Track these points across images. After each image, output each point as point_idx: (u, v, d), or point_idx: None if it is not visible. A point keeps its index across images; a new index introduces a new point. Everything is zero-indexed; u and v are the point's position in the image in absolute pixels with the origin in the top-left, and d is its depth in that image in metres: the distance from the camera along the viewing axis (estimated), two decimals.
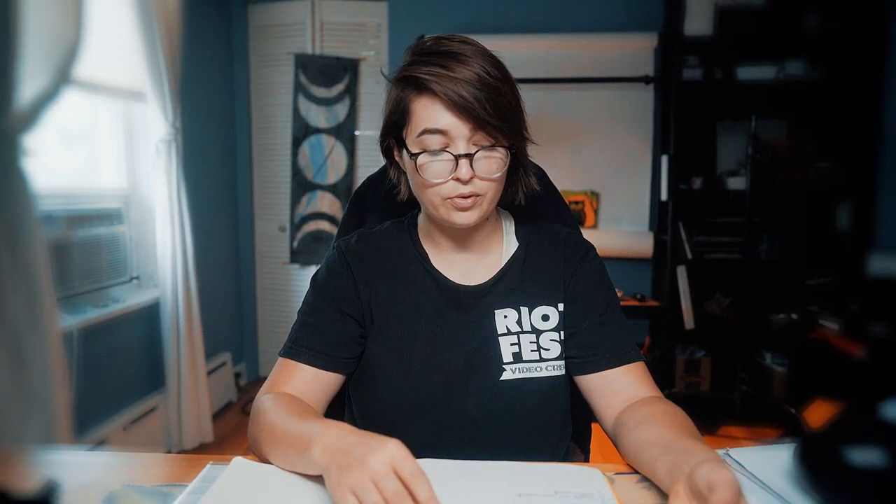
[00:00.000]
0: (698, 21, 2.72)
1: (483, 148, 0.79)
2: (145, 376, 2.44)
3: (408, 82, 0.80)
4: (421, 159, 0.79)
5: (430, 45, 0.81)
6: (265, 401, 0.80)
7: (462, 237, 0.89)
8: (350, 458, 0.58)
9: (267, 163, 3.33)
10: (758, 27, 2.72)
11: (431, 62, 0.78)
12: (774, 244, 2.87)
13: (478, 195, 0.80)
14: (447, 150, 0.78)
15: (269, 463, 0.74)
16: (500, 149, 0.80)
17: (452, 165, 0.78)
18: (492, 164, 0.80)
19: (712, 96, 2.88)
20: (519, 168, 0.88)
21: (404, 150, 0.83)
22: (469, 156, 0.78)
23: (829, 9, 2.67)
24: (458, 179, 0.78)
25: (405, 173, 0.88)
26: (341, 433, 0.64)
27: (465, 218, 0.81)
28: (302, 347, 0.84)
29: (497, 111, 0.77)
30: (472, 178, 0.79)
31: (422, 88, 0.78)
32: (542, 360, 0.85)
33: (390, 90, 0.85)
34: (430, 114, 0.78)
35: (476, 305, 0.87)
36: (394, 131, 0.85)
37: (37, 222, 1.51)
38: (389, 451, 0.57)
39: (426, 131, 0.78)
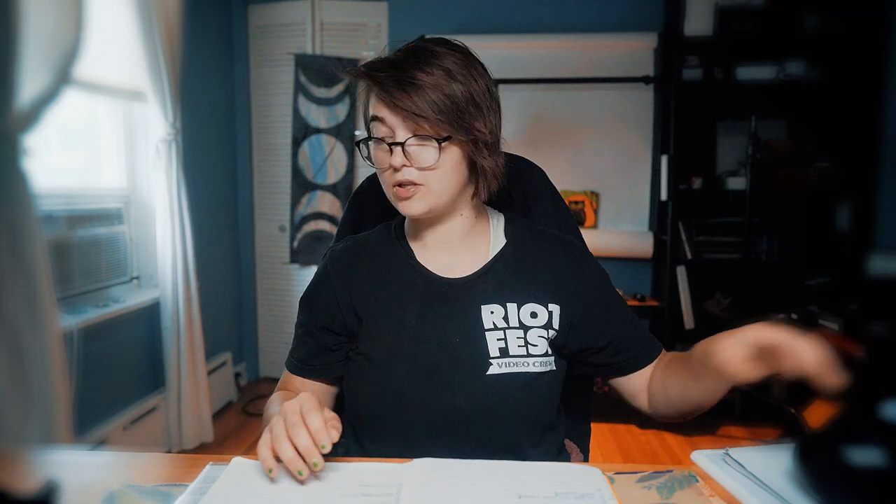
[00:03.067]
0: (698, 21, 2.72)
1: (416, 136, 0.81)
2: (145, 376, 2.44)
3: (360, 77, 0.85)
4: (370, 145, 0.85)
5: (403, 46, 0.86)
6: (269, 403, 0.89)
7: (441, 231, 0.91)
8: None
9: (267, 163, 3.33)
10: (758, 27, 2.72)
11: (386, 60, 0.83)
12: (774, 244, 2.87)
13: (416, 184, 0.83)
14: (388, 138, 0.83)
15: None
16: (433, 140, 0.81)
17: (390, 153, 0.82)
18: (426, 154, 0.82)
19: (712, 96, 2.88)
20: (476, 164, 0.87)
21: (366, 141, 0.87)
22: (400, 144, 0.81)
23: (828, 9, 2.67)
24: (391, 166, 0.82)
25: None
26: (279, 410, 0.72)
27: (409, 207, 0.84)
28: (292, 359, 0.94)
29: (431, 106, 0.79)
30: (404, 165, 0.82)
31: (368, 80, 0.83)
32: (529, 355, 0.85)
33: None
34: (375, 104, 0.83)
35: (461, 297, 0.88)
36: (366, 125, 0.89)
37: (37, 222, 1.51)
38: (289, 407, 0.69)
39: (373, 118, 0.84)
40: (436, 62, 0.81)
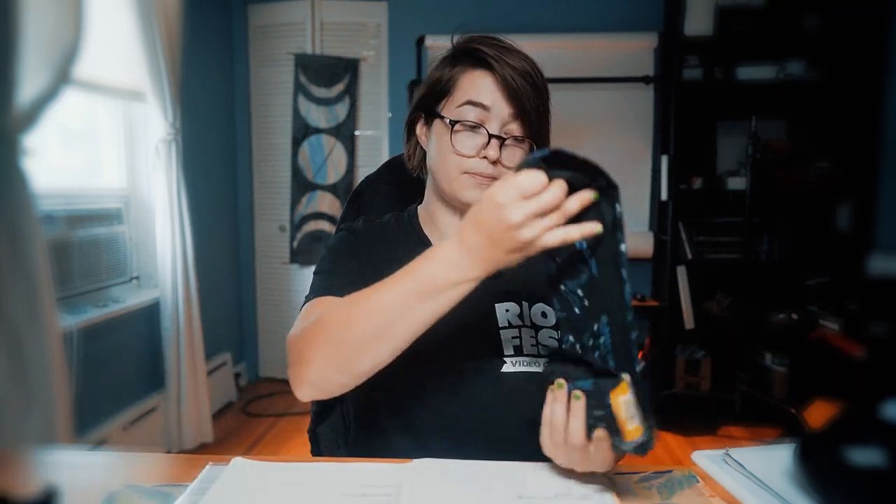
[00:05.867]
0: (698, 21, 2.72)
1: (514, 138, 0.82)
2: (145, 376, 2.44)
3: (467, 54, 0.83)
4: (458, 127, 0.82)
5: (482, 35, 0.85)
6: (317, 314, 0.73)
7: None
8: (495, 232, 0.59)
9: (267, 163, 3.33)
10: (758, 27, 2.72)
11: (491, 44, 0.82)
12: (774, 244, 2.87)
13: (494, 178, 0.83)
14: (483, 125, 0.81)
15: (344, 352, 0.68)
16: (527, 143, 0.83)
17: (483, 143, 0.81)
18: (516, 155, 0.83)
19: (712, 96, 2.88)
20: None
21: (435, 122, 0.85)
22: (502, 139, 0.81)
23: (829, 9, 2.67)
24: (485, 157, 0.81)
25: (422, 148, 0.91)
26: (454, 246, 0.63)
27: (476, 197, 0.82)
28: (337, 286, 0.80)
29: (535, 108, 0.82)
30: (496, 161, 0.81)
31: (479, 63, 0.82)
32: (539, 355, 0.85)
33: (436, 65, 0.88)
34: (479, 87, 0.82)
35: (476, 294, 0.87)
36: (430, 103, 0.87)
37: (37, 222, 1.51)
38: (505, 196, 0.58)
39: (469, 102, 0.82)
40: (528, 59, 0.83)
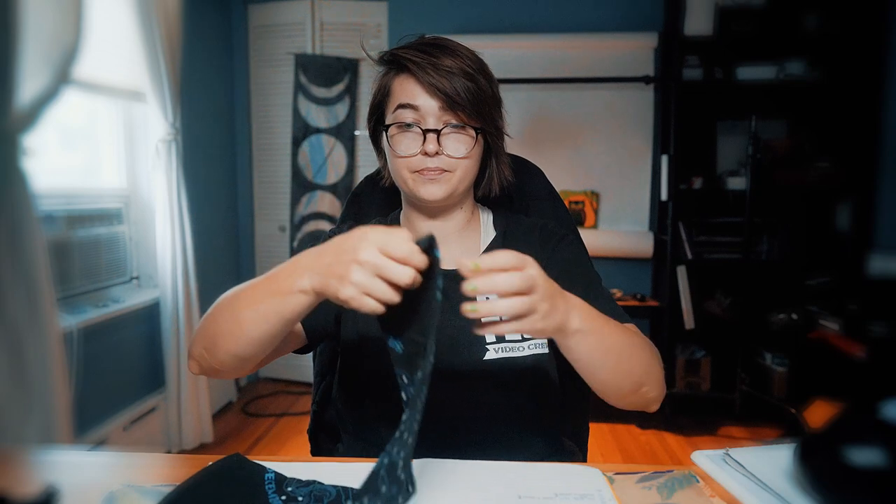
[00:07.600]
0: (698, 21, 2.72)
1: (451, 126, 0.84)
2: (145, 376, 2.44)
3: (391, 62, 0.87)
4: (392, 131, 0.86)
5: (415, 39, 0.88)
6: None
7: (441, 223, 0.92)
8: (342, 252, 0.62)
9: (267, 163, 3.33)
10: (758, 27, 2.72)
11: (414, 47, 0.85)
12: (774, 244, 2.87)
13: (445, 171, 0.85)
14: (418, 125, 0.84)
15: (226, 348, 0.72)
16: (470, 129, 0.85)
17: (421, 139, 0.84)
18: (460, 142, 0.85)
19: (712, 96, 2.88)
20: (492, 158, 0.92)
21: (382, 131, 0.89)
22: (436, 131, 0.84)
23: (828, 9, 2.67)
24: (425, 153, 0.84)
25: None
26: (314, 252, 0.66)
27: (432, 192, 0.86)
28: None
29: (468, 95, 0.83)
30: (437, 153, 0.84)
31: (401, 68, 0.85)
32: (524, 339, 0.86)
33: (376, 76, 0.91)
34: (405, 90, 0.85)
35: (456, 288, 0.88)
36: (377, 112, 0.91)
37: (37, 222, 1.51)
38: (370, 239, 0.60)
39: (400, 106, 0.85)
40: (461, 53, 0.85)
